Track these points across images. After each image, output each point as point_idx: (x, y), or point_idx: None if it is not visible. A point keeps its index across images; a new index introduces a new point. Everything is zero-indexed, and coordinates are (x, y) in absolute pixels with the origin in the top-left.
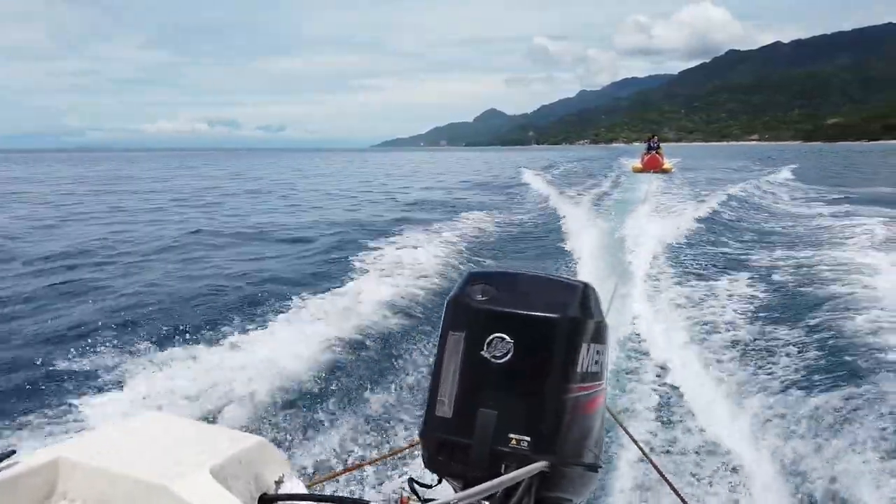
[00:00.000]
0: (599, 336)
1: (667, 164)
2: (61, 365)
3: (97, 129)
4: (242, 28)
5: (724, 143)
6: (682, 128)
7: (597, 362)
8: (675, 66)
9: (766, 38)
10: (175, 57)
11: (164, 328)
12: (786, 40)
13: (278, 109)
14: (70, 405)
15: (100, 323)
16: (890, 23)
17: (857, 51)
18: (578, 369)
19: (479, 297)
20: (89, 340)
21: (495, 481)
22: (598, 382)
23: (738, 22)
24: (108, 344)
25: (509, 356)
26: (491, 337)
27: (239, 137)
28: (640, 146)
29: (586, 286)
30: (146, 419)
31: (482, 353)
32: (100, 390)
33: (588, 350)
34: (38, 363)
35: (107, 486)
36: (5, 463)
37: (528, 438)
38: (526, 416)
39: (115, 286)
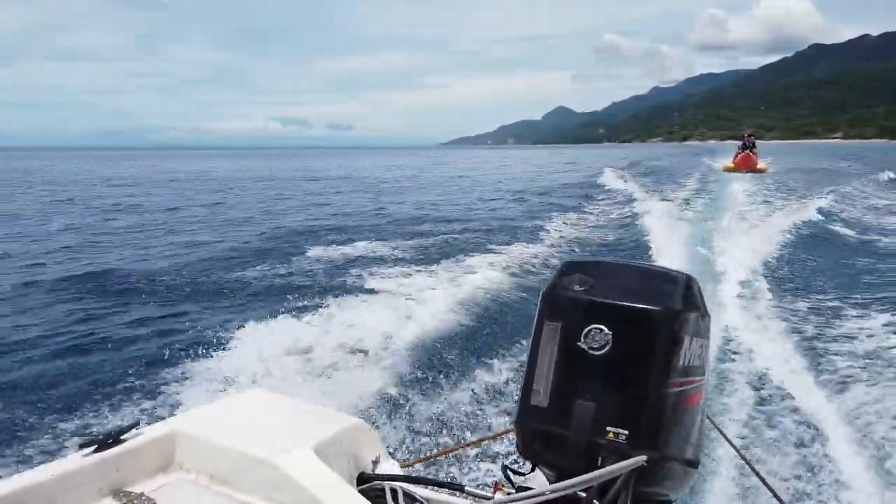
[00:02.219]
0: (702, 330)
1: (761, 163)
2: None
3: (174, 128)
4: (310, 28)
5: (805, 140)
6: (761, 125)
7: (699, 356)
8: (754, 62)
9: (853, 32)
10: (247, 57)
11: (271, 304)
12: (875, 33)
13: (346, 108)
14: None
15: (223, 293)
16: None
17: None
18: (680, 363)
19: (577, 288)
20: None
21: (594, 474)
22: (699, 378)
23: (822, 14)
24: (224, 313)
25: (608, 348)
26: (589, 328)
27: (309, 136)
28: (716, 144)
29: (689, 278)
30: (253, 396)
31: (579, 343)
32: (214, 358)
33: (691, 344)
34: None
35: (219, 459)
36: (130, 434)
37: (626, 432)
38: (624, 409)
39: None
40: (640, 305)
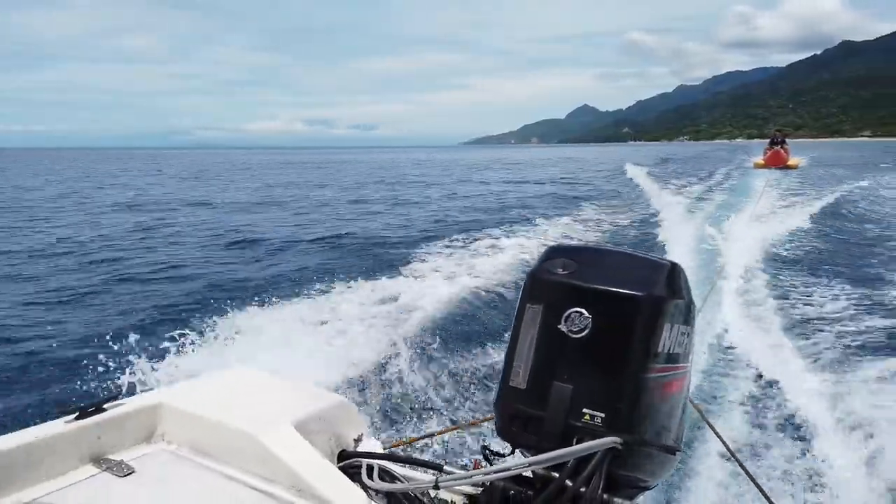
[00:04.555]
0: (685, 317)
1: (793, 160)
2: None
3: (204, 128)
4: (337, 30)
5: (832, 139)
6: (789, 123)
7: (681, 344)
8: (782, 59)
9: (885, 28)
10: (277, 58)
11: (273, 287)
12: None
13: (371, 109)
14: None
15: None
16: None
17: None
18: (660, 349)
19: (560, 271)
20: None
21: (564, 451)
22: (680, 365)
23: (853, 11)
24: (215, 298)
25: (587, 331)
26: (569, 311)
27: (332, 136)
28: (744, 143)
29: (674, 265)
30: (237, 372)
31: (559, 326)
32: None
33: (672, 331)
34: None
35: (201, 432)
36: (112, 403)
37: (602, 415)
38: (601, 392)
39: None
40: (621, 290)
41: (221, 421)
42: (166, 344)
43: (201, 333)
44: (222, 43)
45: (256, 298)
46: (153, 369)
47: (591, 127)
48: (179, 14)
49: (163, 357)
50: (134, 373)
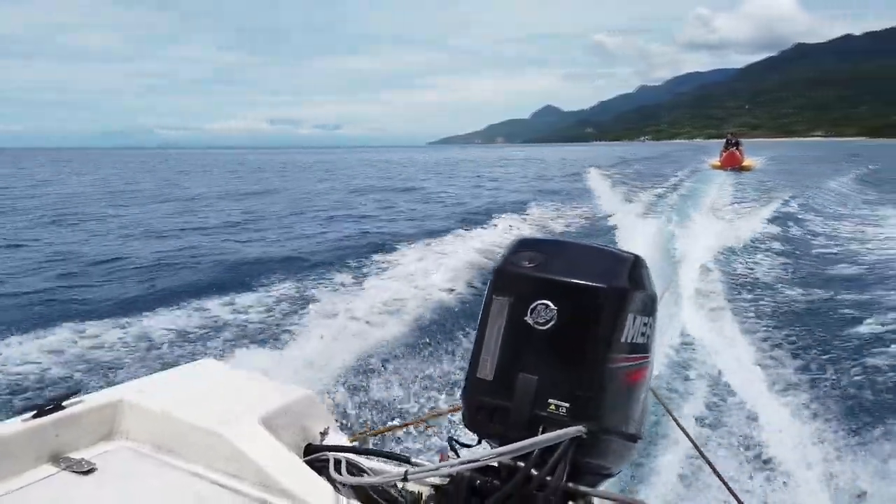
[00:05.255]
0: (647, 308)
1: (748, 161)
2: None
3: (168, 128)
4: (304, 30)
5: (790, 139)
6: (746, 123)
7: (643, 334)
8: (740, 60)
9: (838, 31)
10: (245, 58)
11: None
12: (858, 32)
13: (338, 108)
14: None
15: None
16: None
17: None
18: (623, 339)
19: (526, 264)
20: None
21: (530, 440)
22: (643, 355)
23: (808, 14)
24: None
25: (552, 323)
26: (535, 303)
27: (297, 136)
28: (703, 143)
29: (637, 258)
30: (202, 366)
31: (525, 318)
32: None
33: (634, 321)
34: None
35: (164, 429)
36: (71, 400)
37: (567, 405)
38: (566, 382)
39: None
40: (586, 282)
41: (184, 417)
42: (133, 335)
43: (160, 328)
44: (189, 42)
45: (223, 294)
46: (113, 365)
47: (555, 127)
48: (145, 12)
49: (128, 350)
50: (92, 369)
